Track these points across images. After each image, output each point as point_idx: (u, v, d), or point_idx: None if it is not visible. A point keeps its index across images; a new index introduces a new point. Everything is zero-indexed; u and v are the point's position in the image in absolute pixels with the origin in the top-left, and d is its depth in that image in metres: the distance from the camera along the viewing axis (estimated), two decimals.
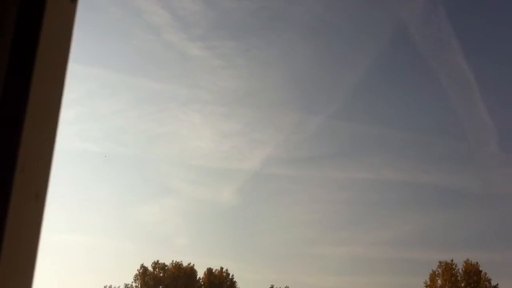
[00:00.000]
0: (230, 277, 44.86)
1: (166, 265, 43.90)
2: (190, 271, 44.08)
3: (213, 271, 44.82)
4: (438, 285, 40.58)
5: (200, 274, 44.65)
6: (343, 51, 54.71)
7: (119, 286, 42.97)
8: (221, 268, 45.01)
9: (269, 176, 54.97)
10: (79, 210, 55.07)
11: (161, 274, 43.57)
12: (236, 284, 44.82)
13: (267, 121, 56.38)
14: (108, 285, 42.82)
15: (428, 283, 40.86)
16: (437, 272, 40.87)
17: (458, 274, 40.39)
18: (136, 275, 43.24)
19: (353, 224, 55.86)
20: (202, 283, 44.33)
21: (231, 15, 52.10)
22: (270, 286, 44.45)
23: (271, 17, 55.23)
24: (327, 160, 56.76)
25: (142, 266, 43.47)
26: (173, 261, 44.21)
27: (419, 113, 56.66)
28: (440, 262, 40.94)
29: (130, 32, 51.88)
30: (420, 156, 55.81)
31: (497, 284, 40.08)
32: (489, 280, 40.10)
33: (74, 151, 51.37)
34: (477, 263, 40.55)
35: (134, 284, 43.15)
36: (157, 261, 43.95)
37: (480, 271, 40.30)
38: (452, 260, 40.77)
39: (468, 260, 40.68)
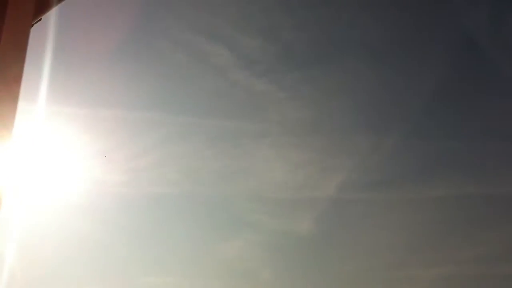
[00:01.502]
0: None
1: None
2: None
3: None
4: None
5: None
6: (410, 68, 53.57)
7: None
8: None
9: (346, 202, 53.77)
10: (163, 252, 56.40)
11: None
12: None
13: (339, 147, 55.67)
14: None
15: None
16: None
17: None
18: None
19: (441, 243, 53.22)
20: None
21: (292, 46, 52.54)
22: None
23: (332, 44, 55.21)
24: (405, 181, 54.91)
25: None
26: None
27: (498, 122, 54.08)
28: None
29: (197, 75, 53.46)
30: (502, 167, 52.99)
31: None
32: None
33: (155, 196, 52.91)
34: None
35: None
36: None
37: None
38: None
39: None
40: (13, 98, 0.73)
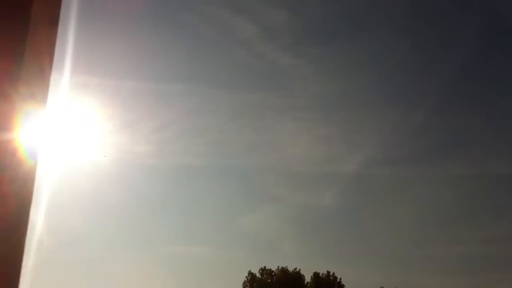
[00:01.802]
0: (338, 280, 44.58)
1: (273, 271, 44.55)
2: (297, 276, 44.37)
3: (320, 275, 44.76)
4: None
5: (307, 278, 44.82)
6: (437, 44, 52.82)
7: None
8: (328, 272, 44.86)
9: (370, 178, 54.19)
10: (187, 222, 57.63)
11: (268, 280, 44.25)
12: (344, 287, 44.45)
13: (364, 122, 55.73)
14: None
15: None
16: None
17: None
18: (244, 282, 44.28)
19: (465, 221, 53.41)
20: (310, 287, 44.46)
21: (318, 20, 52.22)
22: None
23: (359, 18, 54.67)
24: (431, 158, 54.84)
25: (250, 273, 44.43)
26: (278, 266, 44.78)
27: None
28: None
29: (221, 48, 53.76)
30: None
31: None
32: None
33: (179, 167, 53.95)
34: None
35: None
36: (264, 267, 44.72)
37: None
38: None
39: None
40: (46, 69, 0.74)
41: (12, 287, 0.78)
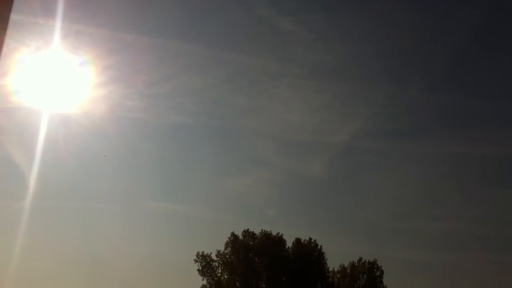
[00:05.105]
0: (318, 248, 45.25)
1: (255, 234, 45.06)
2: (279, 241, 44.95)
3: (302, 241, 45.39)
4: None
5: (289, 244, 45.45)
6: (439, 21, 52.46)
7: (211, 252, 44.75)
8: (310, 239, 45.50)
9: (360, 150, 54.64)
10: (176, 180, 57.90)
11: (250, 242, 44.80)
12: (324, 255, 45.18)
13: (358, 94, 55.83)
14: (201, 251, 44.70)
15: None
16: None
17: None
18: (227, 243, 44.79)
19: (446, 199, 54.24)
20: (291, 252, 45.13)
21: None
22: (358, 259, 44.44)
23: None
24: (421, 134, 55.29)
25: (233, 234, 44.89)
26: (262, 230, 45.29)
27: None
28: None
29: (223, 8, 52.96)
30: None
31: None
32: None
33: (171, 124, 53.91)
34: None
35: (225, 251, 44.73)
36: (247, 229, 45.21)
37: None
38: None
39: None
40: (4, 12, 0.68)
41: None
